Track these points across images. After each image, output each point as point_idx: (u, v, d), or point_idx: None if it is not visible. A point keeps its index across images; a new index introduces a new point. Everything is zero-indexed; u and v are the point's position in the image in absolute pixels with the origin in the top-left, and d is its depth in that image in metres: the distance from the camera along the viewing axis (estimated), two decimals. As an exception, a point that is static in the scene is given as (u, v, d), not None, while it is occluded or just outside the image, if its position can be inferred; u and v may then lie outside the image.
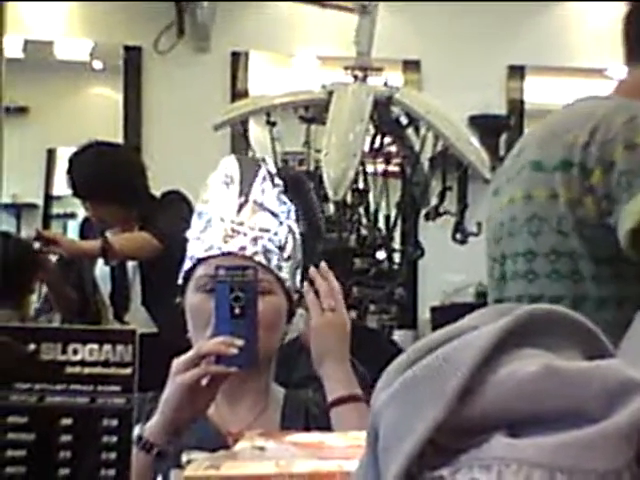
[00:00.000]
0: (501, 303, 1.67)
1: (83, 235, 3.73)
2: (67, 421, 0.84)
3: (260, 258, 1.63)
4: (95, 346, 0.85)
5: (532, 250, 1.64)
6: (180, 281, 1.71)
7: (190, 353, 1.45)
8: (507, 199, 1.72)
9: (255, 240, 1.64)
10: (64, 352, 0.85)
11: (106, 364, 0.85)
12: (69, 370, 0.85)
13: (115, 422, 0.84)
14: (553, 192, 1.59)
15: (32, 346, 0.84)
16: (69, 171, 3.41)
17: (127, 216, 3.40)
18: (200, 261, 1.66)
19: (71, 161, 3.42)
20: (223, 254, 1.63)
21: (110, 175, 3.36)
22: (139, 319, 3.36)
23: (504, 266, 1.70)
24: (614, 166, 1.51)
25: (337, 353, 1.64)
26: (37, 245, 3.14)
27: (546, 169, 1.61)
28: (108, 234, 3.47)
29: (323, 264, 1.68)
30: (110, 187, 3.34)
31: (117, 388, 0.84)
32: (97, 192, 3.36)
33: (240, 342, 1.44)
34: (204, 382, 1.44)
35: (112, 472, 0.83)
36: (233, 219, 1.64)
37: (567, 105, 1.75)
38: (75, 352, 0.85)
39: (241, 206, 1.66)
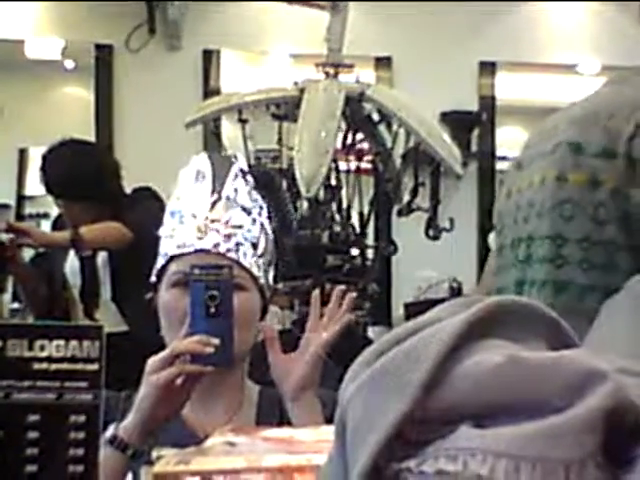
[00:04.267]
0: (523, 285, 1.63)
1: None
2: (34, 417, 0.84)
3: (234, 255, 1.63)
4: (61, 342, 0.84)
5: (562, 235, 1.60)
6: (153, 279, 1.71)
7: (165, 352, 1.44)
8: (539, 178, 1.67)
9: (229, 237, 1.63)
10: (30, 348, 0.84)
11: (73, 360, 0.84)
12: (36, 366, 0.84)
13: (82, 418, 0.83)
14: (594, 178, 1.55)
15: (-2, 343, 0.84)
16: (43, 168, 3.40)
17: (100, 215, 3.38)
18: (173, 258, 1.66)
19: (45, 158, 3.41)
20: (197, 251, 1.62)
21: (84, 174, 3.35)
22: (109, 316, 3.35)
23: (531, 248, 1.66)
24: None
25: (315, 385, 1.62)
26: (7, 237, 3.12)
27: (586, 153, 1.56)
28: None
29: (342, 287, 1.64)
30: (84, 186, 3.33)
31: (84, 384, 0.84)
32: (71, 190, 3.35)
33: (216, 341, 1.44)
34: (179, 381, 1.44)
35: (80, 468, 0.83)
36: (206, 216, 1.64)
37: (610, 83, 1.68)
38: (42, 348, 0.84)
39: (214, 203, 1.66)
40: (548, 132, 1.69)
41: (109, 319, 3.32)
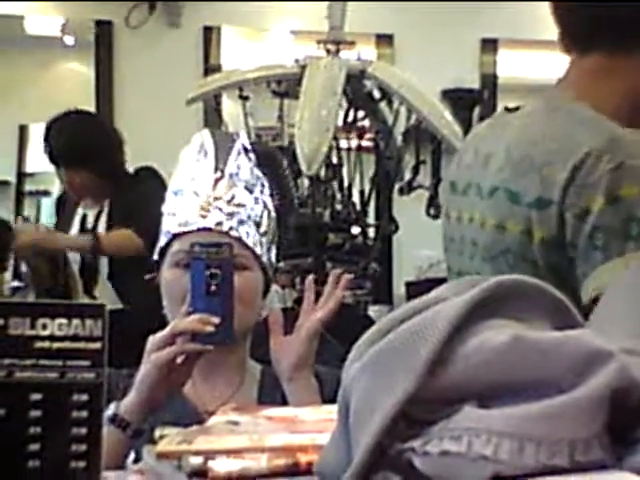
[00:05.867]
0: None
1: (59, 210, 3.75)
2: (36, 396, 0.83)
3: (236, 233, 1.62)
4: (64, 321, 0.84)
5: None
6: (155, 257, 1.70)
7: (165, 331, 1.44)
8: (478, 218, 1.62)
9: (231, 215, 1.63)
10: (33, 327, 0.84)
11: (75, 339, 0.84)
12: (38, 345, 0.84)
13: (85, 397, 0.83)
14: (528, 229, 1.50)
15: (0, 321, 0.84)
16: (46, 137, 3.41)
17: (100, 187, 3.40)
18: (176, 236, 1.65)
19: (49, 128, 3.42)
20: (199, 230, 1.62)
21: (87, 142, 3.37)
22: (108, 293, 3.38)
23: None
24: (589, 215, 1.40)
25: (310, 365, 1.61)
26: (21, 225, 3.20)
27: (522, 203, 1.50)
28: (80, 209, 3.48)
29: (337, 272, 1.64)
30: (86, 154, 3.35)
31: (87, 363, 0.84)
32: (73, 159, 3.37)
33: (216, 319, 1.44)
34: (180, 360, 1.44)
35: (83, 447, 0.82)
36: (209, 194, 1.63)
37: (544, 111, 1.61)
38: (44, 327, 0.84)
39: (217, 181, 1.65)
40: (484, 158, 1.64)
41: (108, 296, 3.34)
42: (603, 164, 1.41)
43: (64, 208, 3.66)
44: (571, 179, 1.42)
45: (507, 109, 1.69)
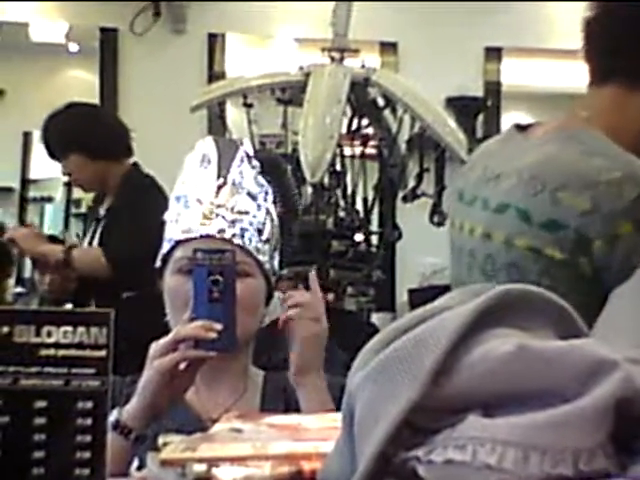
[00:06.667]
0: None
1: (86, 221, 3.76)
2: (41, 403, 0.84)
3: (239, 240, 1.62)
4: (69, 328, 0.84)
5: None
6: (158, 263, 1.70)
7: (168, 337, 1.44)
8: (480, 231, 1.65)
9: (234, 222, 1.63)
10: (38, 334, 0.84)
11: (80, 346, 0.84)
12: (43, 352, 0.84)
13: (90, 404, 0.83)
14: (537, 248, 1.52)
15: (5, 328, 0.84)
16: (44, 130, 3.38)
17: (100, 172, 3.34)
18: (178, 243, 1.65)
19: (47, 121, 3.40)
20: (202, 237, 1.62)
21: (83, 127, 3.30)
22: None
23: None
24: (618, 240, 1.45)
25: (319, 367, 1.61)
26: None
27: (532, 223, 1.53)
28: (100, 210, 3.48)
29: (312, 275, 1.64)
30: (71, 136, 3.30)
31: (91, 370, 0.84)
32: (68, 144, 3.30)
33: (219, 326, 1.44)
34: (182, 366, 1.44)
35: (87, 454, 0.83)
36: (212, 201, 1.63)
37: (559, 139, 1.62)
38: (49, 334, 0.84)
39: (219, 188, 1.65)
40: (494, 176, 1.65)
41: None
42: (627, 192, 1.46)
43: (90, 217, 3.67)
44: (594, 208, 1.45)
45: (518, 127, 1.70)
